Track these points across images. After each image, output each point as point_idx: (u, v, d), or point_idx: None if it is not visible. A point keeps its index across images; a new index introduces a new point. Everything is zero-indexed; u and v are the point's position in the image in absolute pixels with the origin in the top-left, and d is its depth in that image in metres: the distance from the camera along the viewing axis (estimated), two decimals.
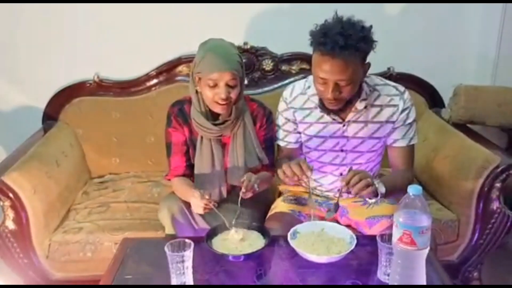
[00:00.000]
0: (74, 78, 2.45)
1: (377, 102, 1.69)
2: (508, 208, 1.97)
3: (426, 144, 2.30)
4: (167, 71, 2.46)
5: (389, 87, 1.71)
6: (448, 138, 2.21)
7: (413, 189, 1.22)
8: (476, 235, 1.99)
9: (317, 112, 1.72)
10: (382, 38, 2.44)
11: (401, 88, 1.72)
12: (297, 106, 1.75)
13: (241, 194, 1.63)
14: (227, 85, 1.67)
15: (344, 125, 1.71)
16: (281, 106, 1.79)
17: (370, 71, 2.34)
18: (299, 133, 1.80)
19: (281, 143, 1.83)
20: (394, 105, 1.69)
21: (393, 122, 1.71)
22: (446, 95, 2.46)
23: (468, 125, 2.32)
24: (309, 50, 2.41)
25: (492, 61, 2.47)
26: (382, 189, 1.58)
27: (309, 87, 1.72)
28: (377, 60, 2.40)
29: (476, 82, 2.40)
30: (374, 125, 1.71)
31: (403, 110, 1.69)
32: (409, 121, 1.71)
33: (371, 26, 1.55)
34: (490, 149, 2.01)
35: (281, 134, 1.82)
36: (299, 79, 2.42)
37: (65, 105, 2.44)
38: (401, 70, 2.46)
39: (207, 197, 1.60)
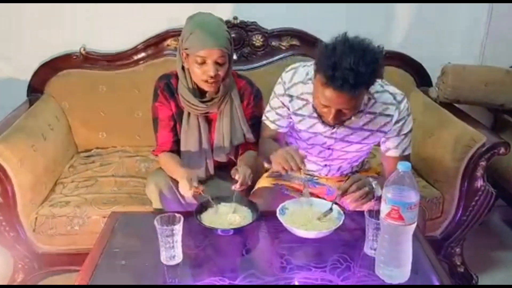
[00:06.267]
0: (60, 50, 2.40)
1: (371, 110, 1.61)
2: (491, 186, 2.00)
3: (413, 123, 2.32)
4: (155, 44, 2.42)
5: (387, 95, 1.61)
6: (434, 116, 2.23)
7: (402, 166, 1.23)
8: (460, 212, 2.02)
9: (311, 107, 1.65)
10: (372, 17, 2.47)
11: (399, 97, 1.62)
12: (295, 94, 1.66)
13: (233, 187, 1.60)
14: (216, 63, 1.65)
15: (334, 127, 1.64)
16: (279, 89, 1.69)
17: None
18: (291, 118, 1.74)
19: (271, 126, 1.75)
20: (388, 115, 1.61)
21: (385, 132, 1.65)
22: (433, 74, 2.47)
23: (455, 104, 2.34)
24: (299, 26, 2.45)
25: (481, 41, 2.48)
26: (378, 192, 1.55)
27: (310, 78, 1.61)
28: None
29: (464, 62, 2.41)
30: (365, 132, 1.65)
31: (397, 121, 1.62)
32: (403, 132, 1.64)
33: (382, 50, 1.45)
34: (476, 128, 2.03)
35: (272, 116, 1.74)
36: (288, 56, 2.46)
37: (51, 77, 2.39)
38: (390, 49, 2.46)
39: (195, 184, 1.58)
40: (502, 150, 1.93)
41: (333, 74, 1.38)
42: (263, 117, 1.79)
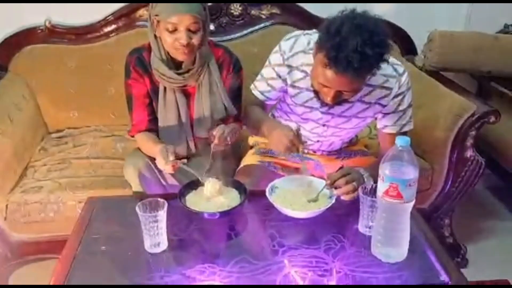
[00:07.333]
0: (23, 23, 2.25)
1: (370, 82, 1.49)
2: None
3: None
4: (127, 15, 2.28)
5: (387, 66, 1.48)
6: (422, 86, 2.16)
7: (401, 141, 1.17)
8: (449, 183, 1.99)
9: (309, 80, 1.53)
10: None
11: (400, 69, 1.52)
12: (294, 64, 1.54)
13: (212, 146, 1.53)
14: (188, 30, 1.54)
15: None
16: (276, 58, 1.57)
17: None
18: (284, 91, 1.63)
19: (260, 96, 1.64)
20: (388, 88, 1.52)
21: (383, 106, 1.56)
22: (418, 42, 2.40)
23: (441, 72, 2.28)
24: None
25: (466, 6, 2.42)
26: (369, 184, 1.46)
27: (311, 48, 1.46)
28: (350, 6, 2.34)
29: (449, 27, 2.35)
30: (362, 105, 1.55)
31: (396, 95, 1.53)
32: (401, 107, 1.55)
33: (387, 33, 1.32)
34: (465, 96, 1.99)
35: (262, 86, 1.63)
36: (269, 25, 2.36)
37: (15, 53, 2.25)
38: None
39: (171, 158, 1.47)
40: (492, 118, 1.90)
41: (337, 55, 1.27)
42: (251, 86, 1.67)
